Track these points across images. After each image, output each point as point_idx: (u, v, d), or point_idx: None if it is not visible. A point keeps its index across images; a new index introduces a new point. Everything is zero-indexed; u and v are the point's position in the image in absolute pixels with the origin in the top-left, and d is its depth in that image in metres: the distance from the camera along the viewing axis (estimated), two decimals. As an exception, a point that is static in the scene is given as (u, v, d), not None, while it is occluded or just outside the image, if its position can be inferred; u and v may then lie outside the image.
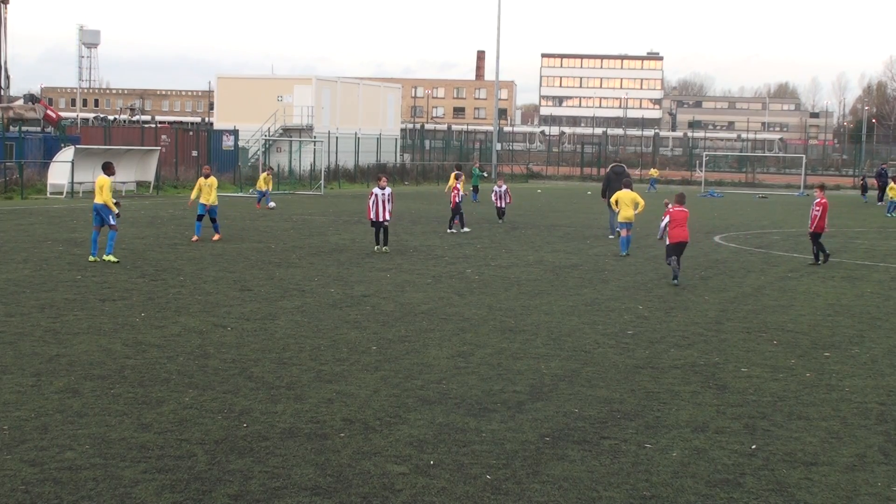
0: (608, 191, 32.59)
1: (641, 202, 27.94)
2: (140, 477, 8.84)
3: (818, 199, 26.81)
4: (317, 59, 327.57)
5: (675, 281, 22.51)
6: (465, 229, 34.24)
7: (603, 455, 9.85)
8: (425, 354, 14.27)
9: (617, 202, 28.30)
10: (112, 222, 23.82)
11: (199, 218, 29.26)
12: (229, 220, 35.50)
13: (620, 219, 28.38)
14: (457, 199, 34.30)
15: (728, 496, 8.85)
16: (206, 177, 29.24)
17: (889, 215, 50.74)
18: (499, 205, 39.93)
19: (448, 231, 33.97)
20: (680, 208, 22.86)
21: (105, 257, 23.65)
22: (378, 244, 27.40)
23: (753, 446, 10.30)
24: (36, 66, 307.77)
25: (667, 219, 22.68)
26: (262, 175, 45.22)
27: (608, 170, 35.01)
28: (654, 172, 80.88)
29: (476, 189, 54.68)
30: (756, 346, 15.63)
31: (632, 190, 28.42)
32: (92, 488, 8.52)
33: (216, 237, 29.20)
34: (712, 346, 15.46)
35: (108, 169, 24.54)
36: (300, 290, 19.98)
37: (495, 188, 40.45)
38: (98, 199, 23.90)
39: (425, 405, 11.51)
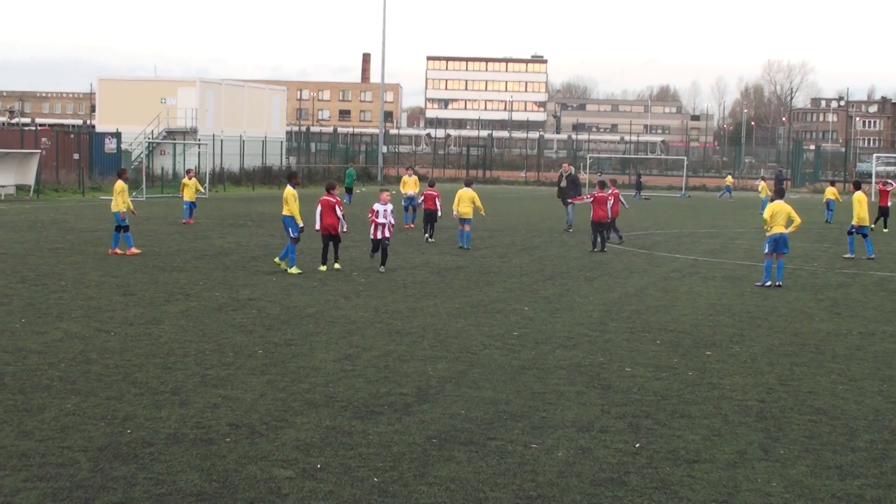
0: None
1: (478, 202, 31.58)
2: (21, 486, 8.67)
3: (609, 192, 32.02)
4: (212, 61, 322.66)
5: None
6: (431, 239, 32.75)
7: (489, 456, 9.92)
8: (312, 358, 14.23)
9: (459, 201, 31.47)
10: (293, 235, 23.74)
11: (119, 229, 26.86)
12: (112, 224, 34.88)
13: (461, 215, 31.32)
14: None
15: (613, 494, 8.97)
16: (123, 179, 27.44)
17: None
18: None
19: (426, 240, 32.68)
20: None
21: (289, 270, 23.50)
22: (379, 262, 24.66)
23: (637, 445, 10.46)
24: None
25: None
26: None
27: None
28: (729, 180, 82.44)
29: (349, 191, 56.59)
30: (640, 345, 15.87)
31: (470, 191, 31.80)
32: (-30, 499, 8.34)
33: (131, 250, 26.56)
34: (597, 347, 15.65)
35: (293, 179, 25.54)
36: (185, 294, 19.76)
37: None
38: (285, 211, 24.02)
39: (312, 408, 11.48)
